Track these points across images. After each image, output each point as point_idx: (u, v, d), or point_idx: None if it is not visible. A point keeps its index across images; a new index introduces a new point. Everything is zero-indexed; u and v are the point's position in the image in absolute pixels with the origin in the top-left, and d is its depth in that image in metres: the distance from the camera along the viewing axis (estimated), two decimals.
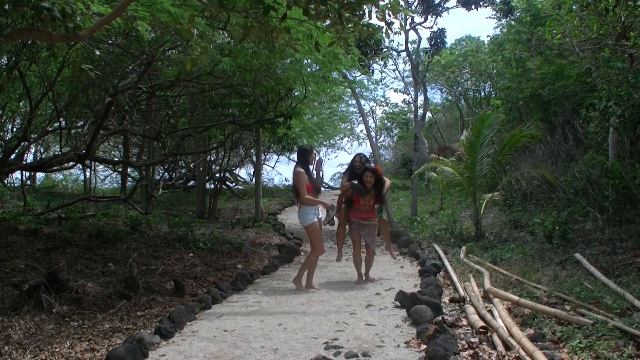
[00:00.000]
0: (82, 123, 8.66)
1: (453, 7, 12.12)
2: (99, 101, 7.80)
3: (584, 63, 8.03)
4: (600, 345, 3.41)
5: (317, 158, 6.14)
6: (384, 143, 29.21)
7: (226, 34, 6.60)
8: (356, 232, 6.47)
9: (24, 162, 9.84)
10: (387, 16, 3.52)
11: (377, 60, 13.75)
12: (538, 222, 7.91)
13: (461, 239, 8.84)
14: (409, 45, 13.96)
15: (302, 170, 5.87)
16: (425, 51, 13.62)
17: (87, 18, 3.76)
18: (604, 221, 7.25)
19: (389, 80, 34.90)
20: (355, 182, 6.22)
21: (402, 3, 11.78)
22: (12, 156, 8.17)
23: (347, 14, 3.39)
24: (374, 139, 21.71)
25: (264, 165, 21.22)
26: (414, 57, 13.83)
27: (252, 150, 18.24)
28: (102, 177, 20.38)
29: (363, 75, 13.45)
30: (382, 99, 26.63)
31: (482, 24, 48.27)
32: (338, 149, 28.89)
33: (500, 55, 15.02)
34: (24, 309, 4.41)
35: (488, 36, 26.73)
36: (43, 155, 15.23)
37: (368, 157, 7.10)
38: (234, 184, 20.96)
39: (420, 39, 13.80)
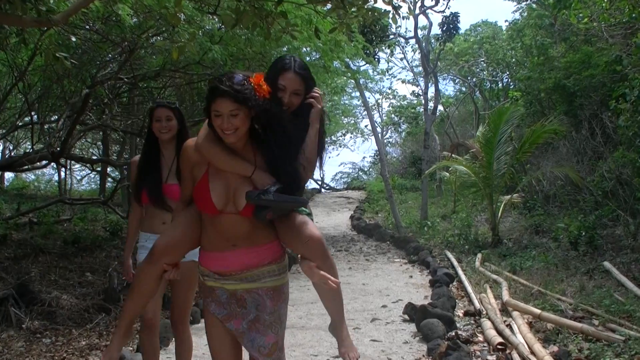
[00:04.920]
0: (57, 117, 8.65)
1: None
2: (76, 93, 7.78)
3: (613, 50, 8.03)
4: None
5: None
6: (390, 139, 29.18)
7: (217, 19, 6.59)
8: (212, 319, 2.32)
9: None
10: None
11: (383, 48, 13.78)
12: (562, 227, 7.90)
13: (476, 246, 8.83)
14: (419, 31, 13.97)
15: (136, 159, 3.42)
16: (437, 38, 13.63)
17: (61, 0, 3.76)
18: (636, 226, 7.23)
19: (396, 71, 35.00)
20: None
21: None
22: None
23: None
24: (379, 135, 21.73)
25: None
26: (424, 44, 13.82)
27: None
28: (78, 178, 20.38)
29: (368, 65, 13.46)
30: (389, 91, 26.42)
31: (500, 8, 48.35)
32: (340, 146, 28.86)
33: (520, 42, 15.01)
34: None
35: (506, 21, 26.77)
36: (12, 153, 15.23)
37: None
38: None
39: (431, 24, 13.83)
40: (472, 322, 4.89)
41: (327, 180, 29.07)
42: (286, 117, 2.22)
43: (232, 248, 2.22)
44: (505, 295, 5.27)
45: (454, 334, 4.21)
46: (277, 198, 2.11)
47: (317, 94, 2.36)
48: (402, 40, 17.20)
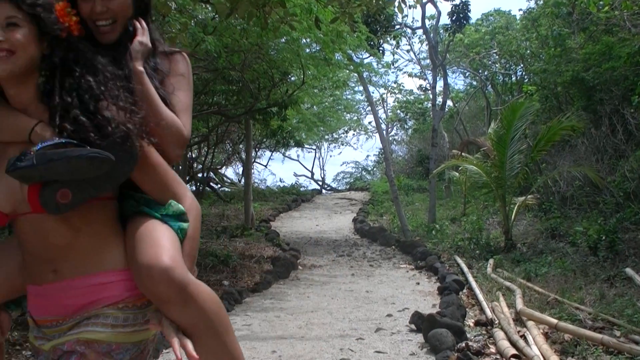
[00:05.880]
0: None
1: None
2: None
3: (636, 40, 8.01)
4: None
5: None
6: (396, 137, 29.23)
7: (210, 8, 6.59)
8: None
9: None
10: None
11: (389, 39, 13.77)
12: (580, 231, 7.90)
13: (488, 251, 8.83)
14: (426, 21, 13.97)
15: None
16: (446, 28, 13.63)
17: None
18: None
19: (402, 63, 34.94)
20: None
21: None
22: None
23: None
24: (384, 132, 21.72)
25: (254, 164, 21.23)
26: (432, 35, 13.82)
27: (241, 146, 18.25)
28: None
29: (372, 57, 13.45)
30: (395, 85, 26.45)
31: None
32: (342, 144, 28.87)
33: (535, 33, 15.00)
34: None
35: (520, 10, 26.78)
36: None
37: None
38: (219, 185, 21.00)
39: (439, 13, 13.77)
40: (484, 332, 4.89)
41: (328, 180, 29.15)
42: (93, 55, 1.50)
43: (53, 278, 1.46)
44: (519, 304, 5.26)
45: (464, 345, 4.20)
46: (39, 160, 1.28)
47: (137, 25, 1.70)
48: (409, 30, 17.25)
